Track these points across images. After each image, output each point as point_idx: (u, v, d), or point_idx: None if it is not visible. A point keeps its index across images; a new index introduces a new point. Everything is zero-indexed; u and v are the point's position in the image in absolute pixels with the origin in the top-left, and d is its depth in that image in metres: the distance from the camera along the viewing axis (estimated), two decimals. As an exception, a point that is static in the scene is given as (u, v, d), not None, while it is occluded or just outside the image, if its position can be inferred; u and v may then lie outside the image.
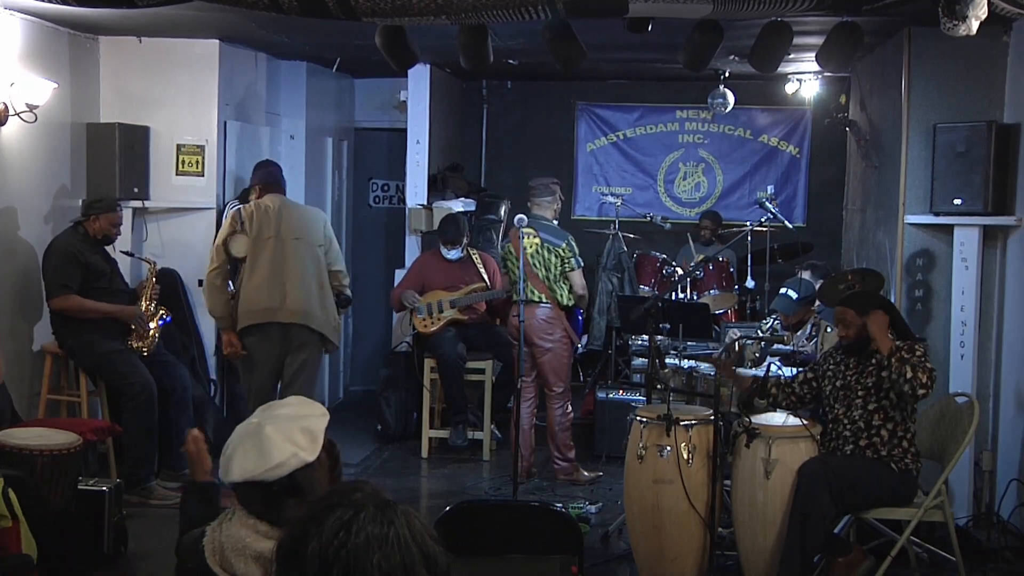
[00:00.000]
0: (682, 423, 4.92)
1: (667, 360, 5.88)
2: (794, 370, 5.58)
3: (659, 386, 5.54)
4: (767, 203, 7.67)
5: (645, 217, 9.03)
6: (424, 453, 7.45)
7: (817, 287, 6.08)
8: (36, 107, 6.11)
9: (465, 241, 7.43)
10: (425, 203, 8.42)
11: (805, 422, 4.93)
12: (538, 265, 6.76)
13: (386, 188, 9.98)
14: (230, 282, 6.29)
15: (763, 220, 7.55)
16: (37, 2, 5.49)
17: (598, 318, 8.21)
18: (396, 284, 7.70)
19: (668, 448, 4.90)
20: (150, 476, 6.22)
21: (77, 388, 6.38)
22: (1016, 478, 5.61)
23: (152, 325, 6.35)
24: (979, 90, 6.09)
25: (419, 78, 8.47)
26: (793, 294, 6.19)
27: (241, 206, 6.43)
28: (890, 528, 5.08)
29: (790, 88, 8.91)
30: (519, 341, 6.31)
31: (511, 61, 8.19)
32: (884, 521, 5.05)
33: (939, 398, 5.35)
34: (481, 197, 9.00)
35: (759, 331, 6.51)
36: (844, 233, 8.34)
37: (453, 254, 7.38)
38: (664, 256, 8.37)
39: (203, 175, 7.37)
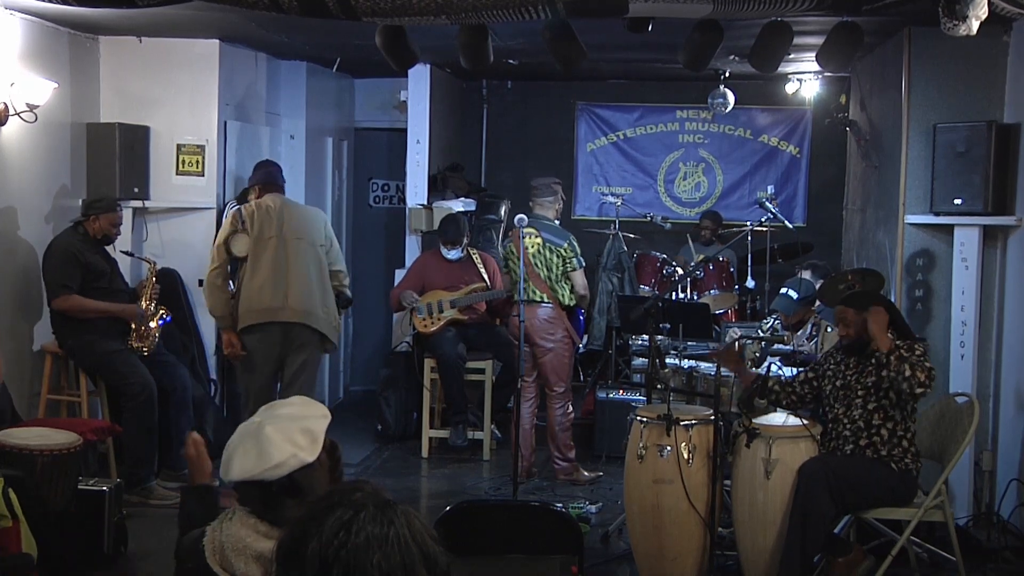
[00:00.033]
0: (682, 423, 4.92)
1: (667, 360, 5.88)
2: (794, 370, 5.58)
3: (659, 386, 5.54)
4: (767, 203, 7.67)
5: (645, 217, 9.03)
6: (424, 453, 7.45)
7: (817, 287, 6.08)
8: (36, 107, 6.11)
9: (465, 241, 7.43)
10: (425, 203, 8.42)
11: (805, 422, 4.93)
12: (540, 265, 6.76)
13: (386, 188, 9.98)
14: (230, 282, 6.29)
15: (763, 220, 7.55)
16: (37, 2, 5.49)
17: (598, 318, 8.21)
18: (396, 284, 7.70)
19: (668, 448, 4.90)
20: (150, 476, 6.22)
21: (77, 388, 6.38)
22: (1016, 478, 5.61)
23: (152, 325, 6.35)
24: (979, 90, 6.09)
25: (419, 78, 8.47)
26: (793, 294, 6.19)
27: (242, 206, 6.43)
28: (890, 528, 5.08)
29: (790, 88, 8.91)
30: (520, 341, 6.31)
31: (511, 61, 8.19)
32: (884, 521, 5.05)
33: (939, 398, 5.35)
34: (481, 197, 9.00)
35: (759, 331, 6.51)
36: (844, 233, 8.34)
37: (453, 254, 7.38)
38: (664, 256, 8.38)
39: (203, 175, 7.37)
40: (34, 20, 6.33)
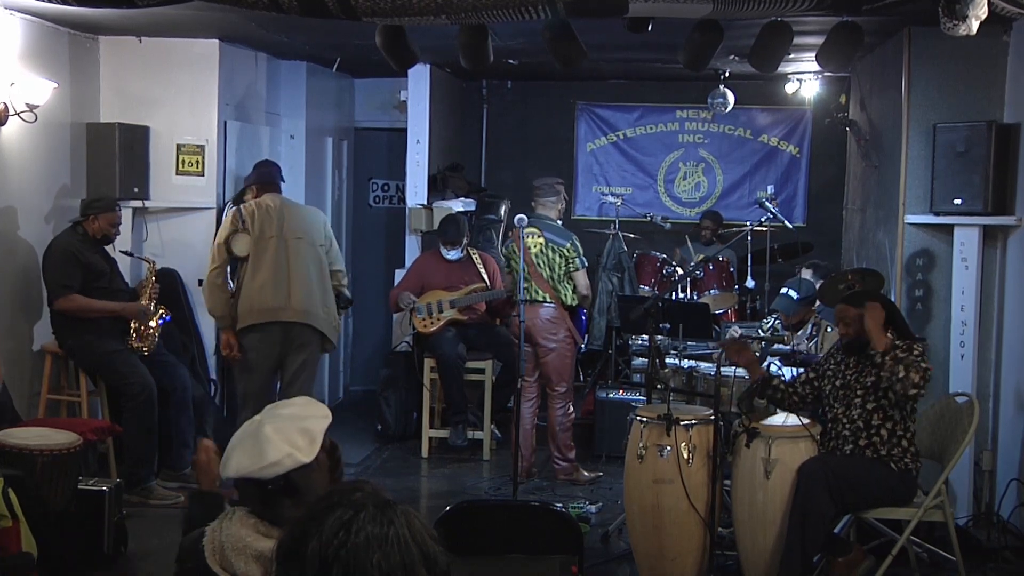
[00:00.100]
0: (682, 423, 4.92)
1: (667, 360, 5.88)
2: (794, 370, 5.58)
3: (659, 386, 5.54)
4: (767, 203, 7.67)
5: (645, 217, 9.03)
6: (424, 453, 7.45)
7: (818, 287, 6.09)
8: (36, 107, 6.11)
9: (465, 241, 7.43)
10: (425, 203, 8.42)
11: (805, 422, 4.93)
12: (542, 265, 6.76)
13: (386, 188, 9.98)
14: (230, 281, 6.29)
15: (763, 220, 7.55)
16: (37, 2, 5.49)
17: (598, 318, 8.21)
18: (396, 284, 7.70)
19: (668, 448, 4.90)
20: (150, 476, 6.22)
21: (77, 388, 6.38)
22: (1016, 478, 5.61)
23: (152, 324, 6.35)
24: (979, 90, 6.09)
25: (419, 78, 8.47)
26: (794, 294, 6.19)
27: (241, 205, 6.43)
28: (890, 528, 5.08)
29: (790, 88, 8.91)
30: (520, 341, 6.30)
31: (511, 61, 8.19)
32: (884, 521, 5.04)
33: (939, 398, 5.36)
34: (481, 197, 9.00)
35: (759, 331, 6.51)
36: (844, 233, 8.34)
37: (453, 254, 7.38)
38: (664, 256, 8.38)
39: (203, 175, 7.37)
40: (34, 20, 6.33)
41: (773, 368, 5.38)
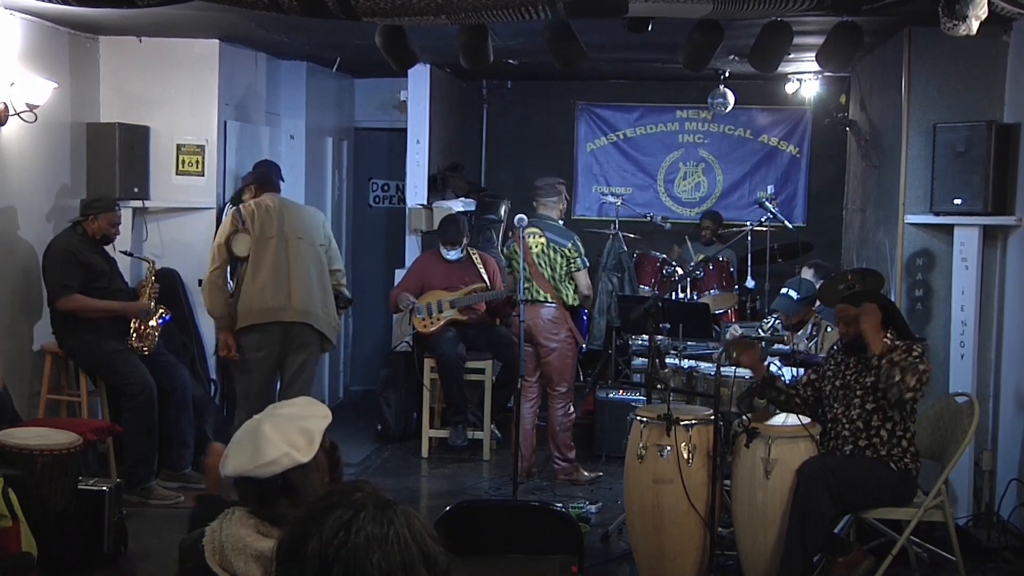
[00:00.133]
0: (682, 423, 4.92)
1: (667, 360, 5.88)
2: (794, 370, 5.58)
3: (659, 386, 5.54)
4: (767, 203, 7.67)
5: (645, 217, 9.03)
6: (424, 453, 7.45)
7: (818, 287, 6.08)
8: (36, 107, 6.11)
9: (465, 241, 7.43)
10: (425, 203, 8.42)
11: (805, 422, 4.93)
12: (544, 265, 6.76)
13: (386, 188, 9.98)
14: (229, 281, 6.29)
15: (763, 220, 7.55)
16: (37, 2, 5.49)
17: (598, 318, 8.20)
18: (396, 284, 7.70)
19: (668, 448, 4.90)
20: (150, 476, 6.22)
21: (77, 388, 6.38)
22: (1016, 478, 5.61)
23: (152, 323, 6.35)
24: (979, 90, 6.09)
25: (419, 78, 8.47)
26: (794, 294, 6.18)
27: (241, 205, 6.43)
28: (890, 528, 5.08)
29: (790, 88, 8.91)
30: (520, 341, 6.30)
31: (511, 61, 8.19)
32: (884, 521, 5.05)
33: (939, 398, 5.36)
34: (481, 197, 9.00)
35: (760, 331, 6.51)
36: (844, 233, 8.34)
37: (453, 254, 7.38)
38: (664, 256, 8.38)
39: (203, 175, 7.37)
40: (34, 20, 6.33)
41: (773, 368, 5.38)
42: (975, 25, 4.14)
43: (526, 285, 6.57)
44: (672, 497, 4.87)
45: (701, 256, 8.15)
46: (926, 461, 4.97)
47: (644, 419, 5.02)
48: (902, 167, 6.25)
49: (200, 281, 6.83)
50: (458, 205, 8.41)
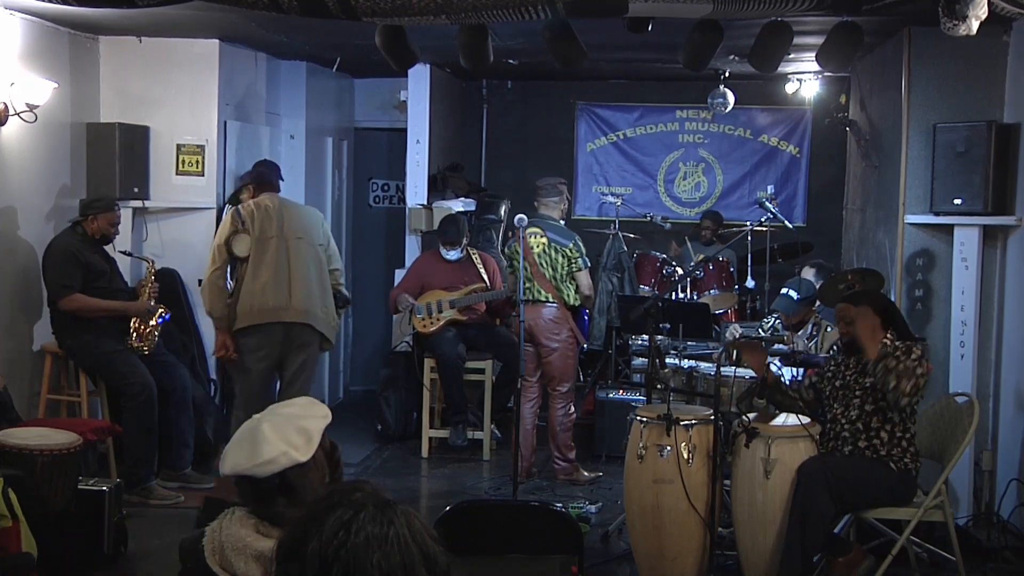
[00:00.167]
0: (682, 423, 4.92)
1: (667, 360, 5.88)
2: (794, 370, 5.58)
3: (659, 386, 5.54)
4: (767, 203, 7.67)
5: (645, 217, 9.02)
6: (424, 453, 7.45)
7: (818, 287, 6.08)
8: (36, 107, 6.11)
9: (465, 241, 7.43)
10: (425, 203, 8.42)
11: (805, 422, 4.93)
12: (545, 265, 6.76)
13: (386, 188, 9.98)
14: (229, 281, 6.29)
15: (763, 220, 7.55)
16: (37, 2, 5.49)
17: (598, 318, 8.20)
18: (396, 284, 7.70)
19: (668, 448, 4.90)
20: (150, 476, 6.22)
21: (77, 388, 6.38)
22: (1016, 478, 5.61)
23: (152, 323, 6.35)
24: (979, 90, 6.09)
25: (419, 78, 8.47)
26: (794, 294, 6.18)
27: (240, 206, 6.43)
28: (890, 528, 5.08)
29: (790, 88, 8.91)
30: (520, 340, 6.30)
31: (511, 61, 8.19)
32: (884, 521, 5.05)
33: (939, 398, 5.36)
34: (481, 197, 9.00)
35: (760, 331, 6.50)
36: (844, 233, 8.34)
37: (453, 255, 7.38)
38: (664, 256, 8.38)
39: (203, 175, 7.37)
40: (34, 20, 6.33)
41: (773, 368, 5.38)
42: (975, 25, 4.14)
43: (527, 285, 6.57)
44: (672, 497, 4.87)
45: (701, 256, 8.14)
46: (926, 461, 4.97)
47: (644, 419, 5.02)
48: (902, 167, 6.25)
49: (200, 281, 6.83)
50: (458, 205, 8.41)
